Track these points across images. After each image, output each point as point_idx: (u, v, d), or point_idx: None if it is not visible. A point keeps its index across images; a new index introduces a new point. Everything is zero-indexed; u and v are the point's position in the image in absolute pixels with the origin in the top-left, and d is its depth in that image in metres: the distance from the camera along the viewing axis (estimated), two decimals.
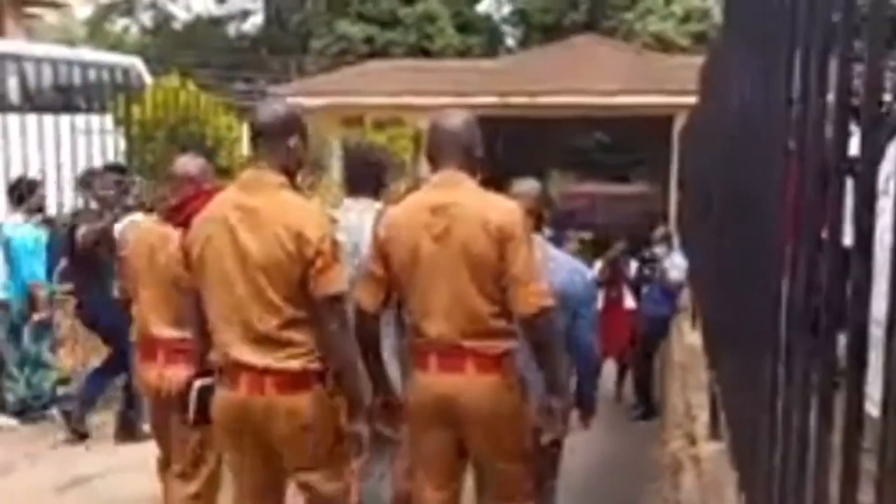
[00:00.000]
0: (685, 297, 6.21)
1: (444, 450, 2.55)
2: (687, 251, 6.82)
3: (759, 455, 1.70)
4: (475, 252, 2.39)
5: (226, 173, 6.83)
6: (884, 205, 1.34)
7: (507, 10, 30.87)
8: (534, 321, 2.38)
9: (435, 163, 2.58)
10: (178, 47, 29.29)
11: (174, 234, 2.93)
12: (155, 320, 3.08)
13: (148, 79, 8.66)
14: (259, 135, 2.48)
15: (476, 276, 2.40)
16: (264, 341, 2.38)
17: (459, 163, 2.53)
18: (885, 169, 1.90)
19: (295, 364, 2.38)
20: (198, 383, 2.58)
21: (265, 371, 2.38)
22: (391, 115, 13.43)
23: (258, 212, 2.38)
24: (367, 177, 3.17)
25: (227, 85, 21.35)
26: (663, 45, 22.44)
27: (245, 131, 8.17)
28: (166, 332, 3.05)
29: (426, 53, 24.28)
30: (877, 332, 1.39)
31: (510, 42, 29.98)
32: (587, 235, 16.93)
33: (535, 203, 2.91)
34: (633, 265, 7.91)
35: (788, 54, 1.85)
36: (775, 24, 1.94)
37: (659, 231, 7.90)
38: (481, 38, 27.81)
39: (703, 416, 2.67)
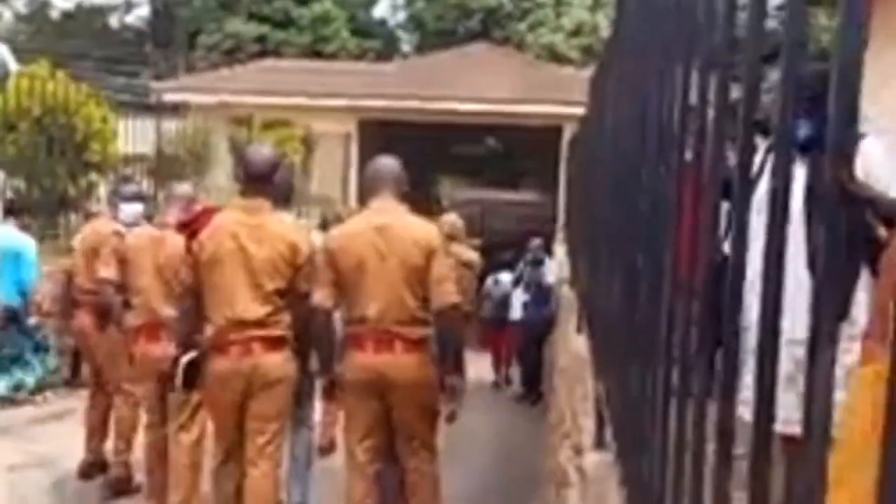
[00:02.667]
0: (567, 300, 6.28)
1: (373, 414, 3.31)
2: (573, 258, 6.91)
3: (648, 473, 1.64)
4: (409, 263, 3.23)
5: (98, 169, 6.40)
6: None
7: (402, 15, 30.86)
8: (446, 312, 3.25)
9: (372, 192, 3.46)
10: (55, 36, 27.67)
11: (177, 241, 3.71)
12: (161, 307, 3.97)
13: (14, 67, 8.03)
14: (253, 177, 3.40)
15: (408, 280, 3.23)
16: (255, 323, 3.26)
17: (392, 193, 3.42)
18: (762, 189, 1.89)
19: (275, 332, 3.30)
20: (184, 359, 3.34)
21: (252, 339, 3.26)
22: (281, 115, 13.09)
23: (262, 227, 3.31)
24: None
25: (108, 78, 20.27)
26: (554, 56, 22.96)
27: (122, 126, 7.71)
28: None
29: (320, 56, 23.88)
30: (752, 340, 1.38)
31: (406, 48, 29.97)
32: (476, 242, 17.07)
33: (454, 229, 4.06)
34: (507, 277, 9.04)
35: (683, 68, 1.84)
36: (664, 37, 1.93)
37: (534, 242, 8.94)
38: (377, 42, 27.66)
39: (589, 425, 2.62)
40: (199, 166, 9.34)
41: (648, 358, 2.02)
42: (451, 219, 4.32)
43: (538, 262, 8.64)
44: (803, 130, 2.41)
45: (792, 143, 1.15)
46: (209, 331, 3.37)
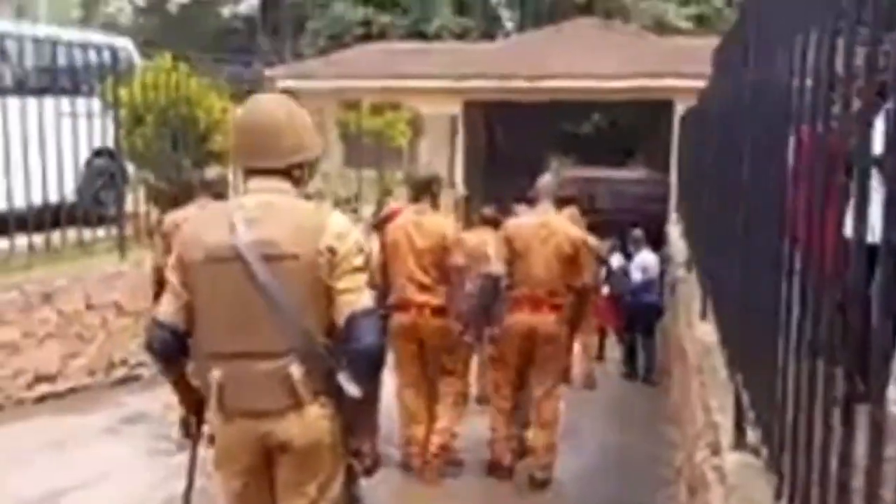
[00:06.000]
0: (685, 284, 6.03)
1: (519, 358, 4.64)
2: (691, 240, 6.64)
3: (809, 483, 1.51)
4: (562, 251, 4.54)
5: (219, 158, 6.60)
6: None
7: None
8: (585, 288, 4.69)
9: (538, 198, 4.78)
10: (172, 29, 28.86)
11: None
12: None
13: (138, 60, 8.37)
14: (416, 189, 4.84)
15: (559, 263, 4.52)
16: (424, 289, 4.57)
17: (549, 199, 4.75)
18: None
19: (437, 301, 4.56)
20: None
21: (424, 304, 4.57)
22: (388, 98, 13.18)
23: (422, 224, 4.65)
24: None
25: (222, 67, 20.95)
26: (662, 28, 22.10)
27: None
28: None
29: (423, 36, 23.91)
30: None
31: (508, 25, 29.58)
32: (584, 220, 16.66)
33: (573, 220, 5.38)
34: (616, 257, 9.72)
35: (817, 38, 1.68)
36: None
37: (635, 233, 9.76)
38: (478, 20, 27.43)
39: (726, 423, 2.48)
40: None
41: (797, 355, 1.87)
42: (571, 211, 5.72)
43: (632, 253, 9.57)
44: None
45: None
46: (392, 297, 4.66)
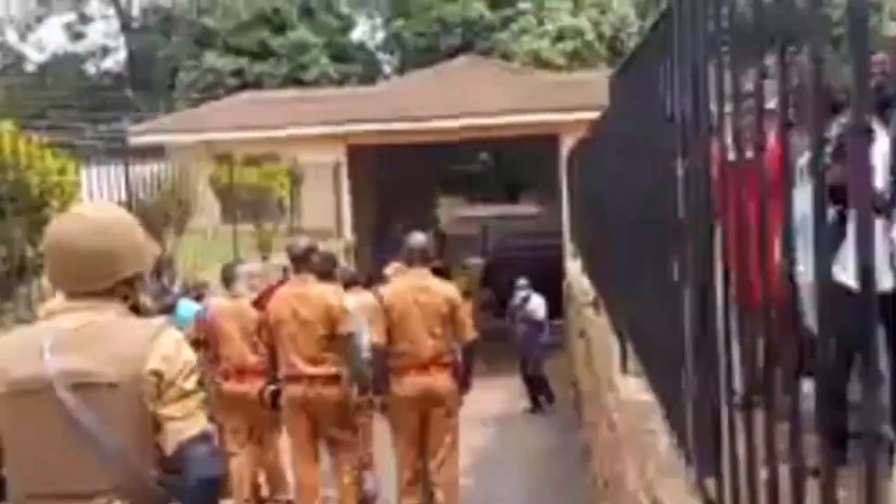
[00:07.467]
0: (594, 327, 5.62)
1: (415, 423, 4.72)
2: (596, 278, 6.27)
3: None
4: (440, 311, 4.66)
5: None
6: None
7: (381, 36, 30.35)
8: (469, 344, 4.80)
9: (411, 264, 4.84)
10: (30, 89, 27.17)
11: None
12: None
13: None
14: (295, 259, 4.93)
15: (439, 322, 4.65)
16: (313, 361, 4.79)
17: (425, 263, 4.84)
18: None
19: (327, 371, 4.78)
20: (270, 388, 4.88)
21: (315, 376, 4.77)
22: (265, 149, 12.45)
23: (307, 294, 4.78)
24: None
25: (90, 126, 19.64)
26: (539, 63, 22.38)
27: (93, 175, 7.04)
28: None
29: (300, 84, 23.32)
30: None
31: (387, 69, 29.44)
32: (477, 261, 16.39)
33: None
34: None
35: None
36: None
37: (520, 282, 10.49)
38: (357, 65, 27.14)
39: None
40: (180, 211, 8.67)
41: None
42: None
43: (526, 300, 10.21)
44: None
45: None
46: (282, 370, 4.77)
